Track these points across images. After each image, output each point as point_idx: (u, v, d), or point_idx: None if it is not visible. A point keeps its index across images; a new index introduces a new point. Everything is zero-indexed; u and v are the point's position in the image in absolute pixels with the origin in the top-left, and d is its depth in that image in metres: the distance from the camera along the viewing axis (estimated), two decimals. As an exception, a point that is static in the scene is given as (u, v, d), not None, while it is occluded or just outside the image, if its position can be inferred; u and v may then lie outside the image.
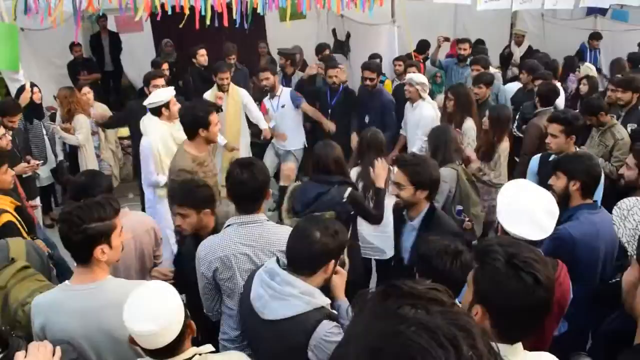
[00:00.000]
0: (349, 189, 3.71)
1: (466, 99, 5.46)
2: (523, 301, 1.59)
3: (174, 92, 5.02)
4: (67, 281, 2.37)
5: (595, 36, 9.63)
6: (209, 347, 2.13)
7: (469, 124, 5.35)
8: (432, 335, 0.79)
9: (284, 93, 6.49)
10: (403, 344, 0.79)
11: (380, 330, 0.82)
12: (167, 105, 4.83)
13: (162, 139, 4.80)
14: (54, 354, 1.98)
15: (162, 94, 4.97)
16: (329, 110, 6.61)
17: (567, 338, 2.87)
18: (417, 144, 5.76)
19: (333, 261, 2.33)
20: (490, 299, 1.64)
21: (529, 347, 2.38)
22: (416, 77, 5.93)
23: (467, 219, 4.10)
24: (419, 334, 0.79)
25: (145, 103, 4.93)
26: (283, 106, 6.41)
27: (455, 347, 0.78)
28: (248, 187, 2.78)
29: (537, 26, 10.59)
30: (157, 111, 4.84)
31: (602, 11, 10.34)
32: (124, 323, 1.92)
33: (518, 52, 9.64)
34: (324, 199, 3.63)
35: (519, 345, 1.67)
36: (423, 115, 5.80)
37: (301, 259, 2.27)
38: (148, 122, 4.91)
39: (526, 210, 2.48)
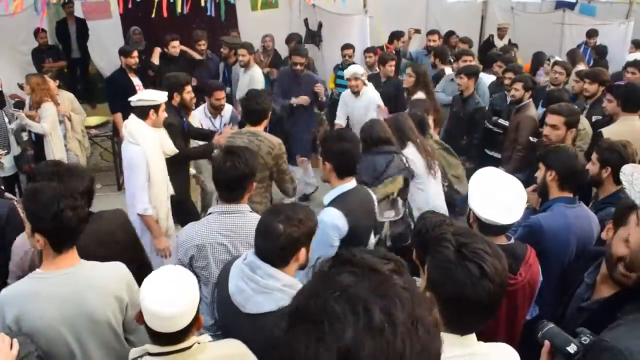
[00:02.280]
0: (403, 157, 4.10)
1: (424, 76, 6.07)
2: (469, 291, 1.59)
3: (166, 98, 4.45)
4: (37, 269, 2.31)
5: (590, 33, 9.29)
6: (207, 336, 2.13)
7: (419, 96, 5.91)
8: (349, 301, 0.82)
9: (227, 112, 6.14)
10: (318, 306, 0.82)
11: (307, 291, 0.86)
12: (157, 108, 4.23)
13: (154, 149, 4.16)
14: (11, 347, 1.96)
15: (157, 94, 4.32)
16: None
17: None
18: None
19: (304, 249, 2.31)
20: (438, 286, 1.64)
21: (503, 333, 2.42)
22: (358, 70, 6.28)
23: (445, 184, 4.35)
24: (336, 299, 0.82)
25: (133, 99, 4.24)
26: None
27: (368, 316, 0.81)
28: (227, 175, 2.77)
29: (507, 19, 10.71)
30: (144, 112, 4.17)
31: (571, 5, 10.52)
32: (141, 301, 1.92)
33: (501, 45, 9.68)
34: (392, 165, 3.98)
35: (471, 336, 1.67)
36: (371, 98, 6.22)
37: (271, 255, 2.24)
38: (137, 126, 4.15)
39: (497, 195, 2.56)
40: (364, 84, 6.19)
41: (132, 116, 4.23)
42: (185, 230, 2.87)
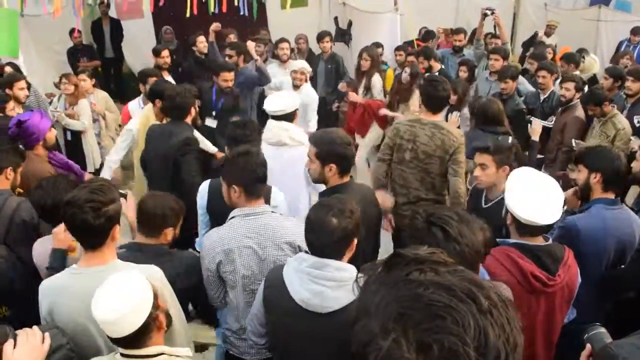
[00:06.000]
0: (511, 138, 4.08)
1: (377, 59, 7.07)
2: None
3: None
4: (74, 265, 2.36)
5: (636, 31, 8.93)
6: (186, 351, 2.08)
7: (377, 78, 6.81)
8: (450, 293, 0.81)
9: None
10: (426, 305, 0.80)
11: (398, 297, 0.84)
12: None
13: None
14: (43, 341, 1.97)
15: (295, 97, 4.54)
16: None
17: (575, 326, 2.89)
18: (311, 124, 6.21)
19: (355, 239, 2.32)
20: None
21: (541, 336, 2.39)
22: (307, 66, 6.58)
23: None
24: (439, 293, 0.81)
25: (281, 108, 4.13)
26: None
27: (474, 300, 0.81)
28: (252, 176, 2.77)
29: (540, 16, 10.53)
30: (294, 115, 4.20)
31: (606, 1, 10.29)
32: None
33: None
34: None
35: None
36: (312, 97, 6.36)
37: (328, 250, 2.24)
38: (295, 128, 4.16)
39: (534, 195, 2.53)
40: (306, 80, 6.36)
41: (287, 123, 4.13)
42: (209, 237, 2.79)
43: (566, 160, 5.19)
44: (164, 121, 4.76)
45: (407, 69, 6.34)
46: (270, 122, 4.16)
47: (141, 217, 2.87)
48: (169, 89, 4.60)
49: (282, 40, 7.24)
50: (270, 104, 4.20)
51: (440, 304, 0.80)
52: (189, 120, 4.41)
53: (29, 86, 6.46)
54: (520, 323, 0.86)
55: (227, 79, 5.68)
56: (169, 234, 2.89)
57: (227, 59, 6.64)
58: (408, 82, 6.25)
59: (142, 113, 4.88)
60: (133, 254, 2.77)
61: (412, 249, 0.95)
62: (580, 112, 5.42)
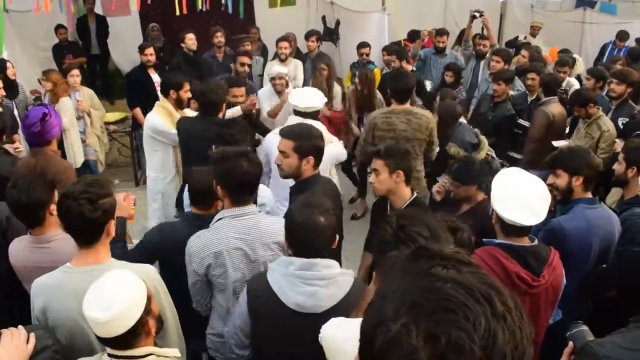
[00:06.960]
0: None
1: (334, 70, 6.93)
2: None
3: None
4: (68, 263, 2.32)
5: (622, 36, 9.05)
6: (174, 352, 2.06)
7: (337, 88, 6.66)
8: (468, 292, 0.82)
9: None
10: (442, 298, 0.82)
11: (417, 286, 0.85)
12: None
13: None
14: (28, 341, 1.94)
15: (321, 96, 4.51)
16: None
17: (561, 327, 2.91)
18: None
19: (337, 235, 2.37)
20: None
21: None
22: (283, 69, 6.35)
23: None
24: (456, 290, 0.82)
25: (310, 105, 4.25)
26: None
27: (489, 303, 0.82)
28: (247, 176, 2.68)
29: (527, 17, 10.61)
30: (317, 115, 4.33)
31: (591, 4, 10.39)
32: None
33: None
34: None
35: None
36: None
37: (318, 249, 2.25)
38: (320, 125, 4.15)
39: (520, 196, 2.52)
40: (287, 84, 6.17)
41: (312, 120, 4.05)
42: (196, 239, 2.70)
43: (531, 153, 5.21)
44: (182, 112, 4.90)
45: (357, 79, 6.30)
46: (296, 118, 4.13)
47: (191, 193, 3.05)
48: (201, 85, 4.73)
49: (282, 39, 7.15)
50: (300, 100, 4.28)
51: (455, 300, 0.81)
52: (220, 116, 4.49)
53: (17, 85, 6.40)
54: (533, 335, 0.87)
55: (237, 94, 5.28)
56: (219, 204, 3.01)
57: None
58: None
59: (160, 110, 4.85)
60: (184, 221, 3.07)
61: (439, 244, 0.96)
62: (550, 109, 5.31)
